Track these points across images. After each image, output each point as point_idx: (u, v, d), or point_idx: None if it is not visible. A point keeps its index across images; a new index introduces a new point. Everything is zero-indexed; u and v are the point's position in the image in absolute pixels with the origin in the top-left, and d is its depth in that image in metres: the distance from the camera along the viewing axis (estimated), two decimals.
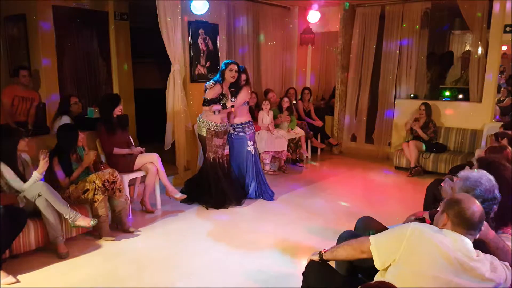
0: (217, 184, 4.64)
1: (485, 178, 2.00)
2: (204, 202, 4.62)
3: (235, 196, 4.70)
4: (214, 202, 4.57)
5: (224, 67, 4.54)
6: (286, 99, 6.43)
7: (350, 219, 3.81)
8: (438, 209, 1.95)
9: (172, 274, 3.15)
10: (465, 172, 2.10)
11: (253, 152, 4.88)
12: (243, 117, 4.83)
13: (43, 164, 3.34)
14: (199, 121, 4.66)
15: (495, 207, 1.99)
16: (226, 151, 4.91)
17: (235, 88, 4.59)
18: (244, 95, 4.70)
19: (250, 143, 4.85)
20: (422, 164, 6.06)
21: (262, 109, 6.05)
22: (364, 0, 6.93)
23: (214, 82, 4.52)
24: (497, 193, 1.98)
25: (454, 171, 3.50)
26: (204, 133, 4.62)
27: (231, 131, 4.85)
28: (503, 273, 1.72)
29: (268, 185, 5.02)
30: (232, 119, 4.81)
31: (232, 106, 4.54)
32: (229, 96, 4.57)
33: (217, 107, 4.50)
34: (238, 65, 4.59)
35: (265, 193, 4.91)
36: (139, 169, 4.38)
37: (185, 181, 4.98)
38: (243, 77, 4.69)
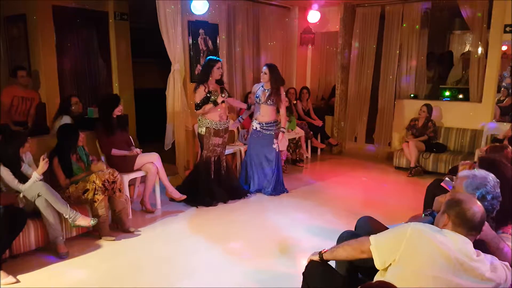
0: (205, 183, 4.67)
1: (491, 175, 2.01)
2: (193, 201, 4.62)
3: (221, 196, 4.72)
4: (201, 201, 4.60)
5: (212, 65, 4.54)
6: (286, 99, 6.41)
7: (350, 219, 3.82)
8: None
9: (172, 274, 3.15)
10: (468, 171, 2.09)
11: (277, 150, 5.10)
12: (272, 116, 5.03)
13: (43, 165, 3.34)
14: (199, 120, 4.68)
15: (498, 205, 1.98)
16: (228, 151, 4.92)
17: (219, 83, 4.66)
18: (283, 96, 5.02)
19: (275, 141, 5.05)
20: (422, 164, 6.06)
21: None
22: (364, 0, 6.93)
23: (197, 86, 4.58)
24: (499, 191, 1.98)
25: (454, 171, 3.49)
26: (203, 132, 4.64)
27: (259, 128, 5.00)
28: (503, 273, 1.72)
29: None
30: (260, 117, 4.99)
31: (223, 101, 4.57)
32: (219, 92, 4.59)
33: (209, 106, 4.53)
34: (221, 62, 4.67)
35: (280, 189, 5.13)
36: (139, 169, 4.38)
37: (182, 182, 4.97)
38: (267, 72, 4.85)
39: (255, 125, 5.06)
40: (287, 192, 5.16)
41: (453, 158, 5.82)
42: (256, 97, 5.02)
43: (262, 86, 4.99)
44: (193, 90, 4.71)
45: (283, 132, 5.07)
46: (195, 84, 4.70)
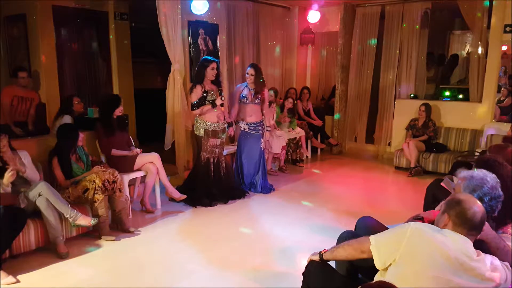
0: (203, 184, 4.67)
1: (490, 175, 2.00)
2: (192, 201, 4.61)
3: (221, 196, 4.72)
4: (199, 202, 4.59)
5: (206, 65, 4.53)
6: (290, 100, 6.43)
7: (350, 219, 3.82)
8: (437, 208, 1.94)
9: (172, 274, 3.15)
10: (466, 172, 2.09)
11: (263, 149, 5.22)
12: (258, 116, 5.09)
13: (8, 177, 3.12)
14: (197, 121, 4.68)
15: (499, 205, 1.98)
16: (227, 151, 4.92)
17: (215, 84, 4.65)
18: (267, 94, 5.16)
19: (262, 140, 5.16)
20: (422, 164, 6.06)
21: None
22: (364, 0, 6.94)
23: (194, 86, 4.58)
24: (500, 191, 1.98)
25: (459, 165, 3.48)
26: (201, 134, 4.64)
27: (247, 129, 5.06)
28: (503, 273, 1.72)
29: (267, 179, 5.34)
30: (248, 118, 5.03)
31: (222, 104, 4.58)
32: (217, 94, 4.59)
33: (207, 107, 4.54)
34: (217, 62, 4.64)
35: (265, 187, 5.19)
36: (139, 169, 4.38)
37: (183, 183, 4.97)
38: (254, 73, 4.87)
39: (242, 126, 5.11)
40: (274, 190, 5.23)
41: (453, 158, 5.81)
42: (243, 97, 5.03)
43: (247, 86, 5.03)
44: (188, 90, 4.71)
45: (268, 130, 5.16)
46: (191, 85, 4.71)
